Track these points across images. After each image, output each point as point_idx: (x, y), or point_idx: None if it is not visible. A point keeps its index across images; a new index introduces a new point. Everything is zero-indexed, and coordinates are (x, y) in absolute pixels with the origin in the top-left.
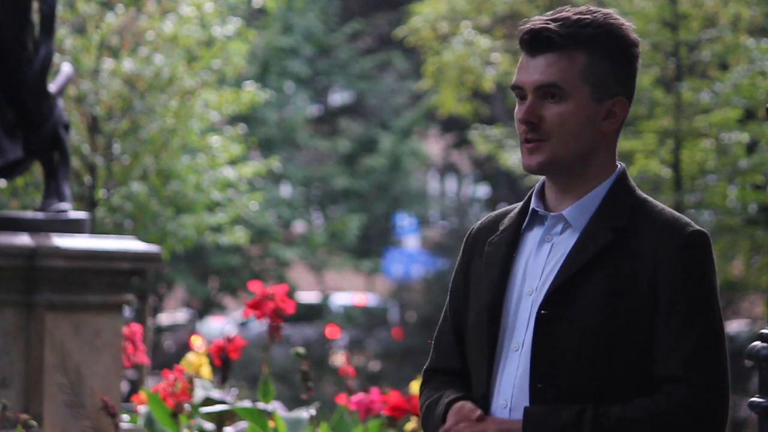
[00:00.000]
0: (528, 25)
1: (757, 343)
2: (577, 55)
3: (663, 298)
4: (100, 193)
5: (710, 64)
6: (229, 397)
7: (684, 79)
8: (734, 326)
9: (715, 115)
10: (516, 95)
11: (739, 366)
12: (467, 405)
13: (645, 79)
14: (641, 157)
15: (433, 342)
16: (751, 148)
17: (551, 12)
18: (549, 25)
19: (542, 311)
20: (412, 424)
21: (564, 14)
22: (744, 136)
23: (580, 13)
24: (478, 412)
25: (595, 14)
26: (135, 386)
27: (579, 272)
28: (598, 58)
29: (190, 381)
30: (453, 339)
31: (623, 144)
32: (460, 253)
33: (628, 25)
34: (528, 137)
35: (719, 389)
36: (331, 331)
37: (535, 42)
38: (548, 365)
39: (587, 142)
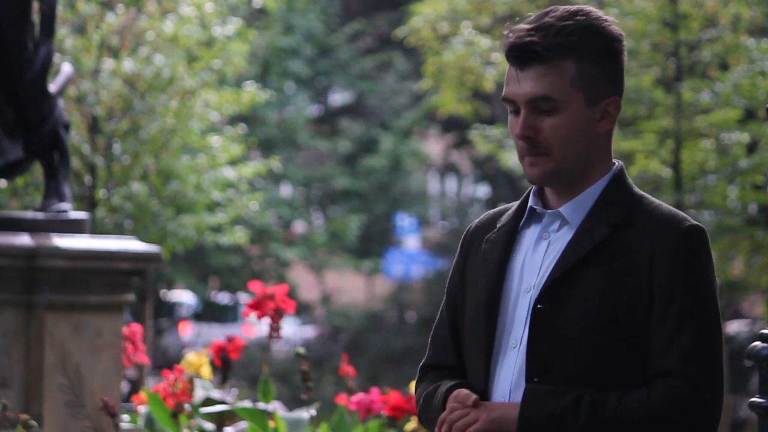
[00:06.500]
0: (512, 38)
1: (757, 343)
2: (566, 65)
3: (659, 292)
4: (100, 193)
5: (710, 64)
6: (229, 397)
7: (684, 79)
8: (734, 326)
9: (715, 115)
10: (508, 107)
11: (739, 366)
12: (463, 391)
13: (645, 79)
14: (641, 157)
15: (429, 339)
16: (751, 148)
17: (534, 18)
18: (533, 38)
19: (538, 305)
20: (412, 424)
21: (546, 21)
22: (744, 136)
23: (563, 19)
24: (474, 396)
25: (578, 17)
26: (135, 386)
27: (575, 267)
28: (587, 63)
29: (190, 381)
30: (449, 336)
31: (623, 144)
32: (458, 251)
33: (611, 20)
34: (529, 153)
35: (715, 384)
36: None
37: (521, 56)
38: (545, 359)
39: (586, 147)
